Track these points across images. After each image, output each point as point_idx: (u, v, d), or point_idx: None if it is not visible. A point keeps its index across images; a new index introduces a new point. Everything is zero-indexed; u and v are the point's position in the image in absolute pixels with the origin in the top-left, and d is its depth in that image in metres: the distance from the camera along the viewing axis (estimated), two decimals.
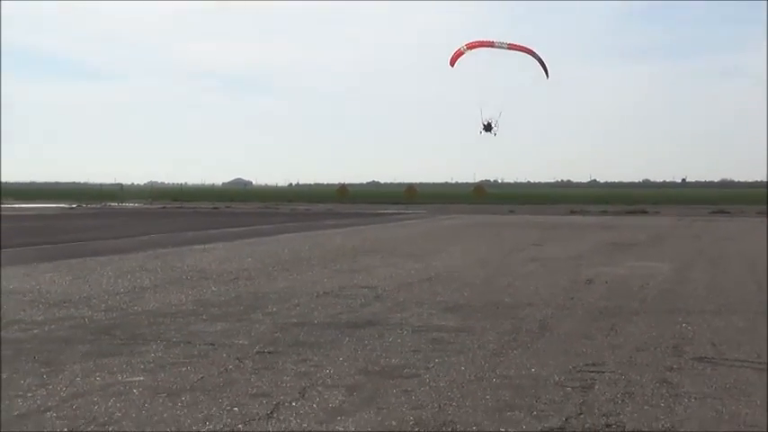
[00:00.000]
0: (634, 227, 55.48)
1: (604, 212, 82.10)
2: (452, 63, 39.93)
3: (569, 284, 23.55)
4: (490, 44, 39.36)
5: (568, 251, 34.88)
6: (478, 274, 25.97)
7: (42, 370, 12.67)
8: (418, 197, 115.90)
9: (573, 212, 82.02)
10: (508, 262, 30.26)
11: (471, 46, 39.74)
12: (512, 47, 39.83)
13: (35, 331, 15.89)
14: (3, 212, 75.53)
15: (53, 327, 16.39)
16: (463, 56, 39.79)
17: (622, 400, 11.09)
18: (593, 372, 12.78)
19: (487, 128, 42.12)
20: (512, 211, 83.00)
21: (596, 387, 11.83)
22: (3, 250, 33.29)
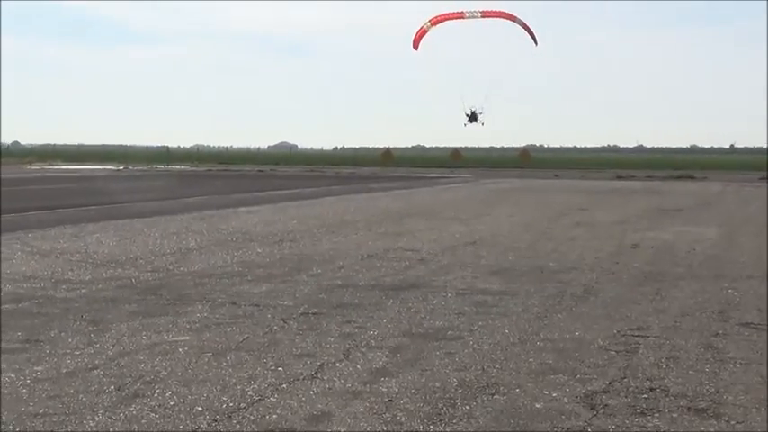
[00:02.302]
0: (681, 192, 55.09)
1: (650, 178, 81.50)
2: (416, 45, 36.61)
3: (614, 249, 23.44)
4: (459, 16, 36.34)
5: (614, 216, 34.69)
6: (523, 238, 25.91)
7: (90, 329, 12.80)
8: (463, 161, 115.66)
9: (619, 177, 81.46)
10: (553, 226, 30.16)
11: (436, 21, 36.51)
12: (486, 14, 36.48)
13: (83, 291, 16.05)
14: (51, 174, 76.19)
15: (100, 286, 16.54)
16: (428, 34, 36.58)
17: (667, 365, 11.05)
18: (637, 336, 12.74)
19: (473, 118, 39.69)
20: (557, 176, 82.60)
21: (640, 351, 11.80)
22: (52, 211, 33.63)
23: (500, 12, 35.89)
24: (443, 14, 36.33)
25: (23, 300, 15.01)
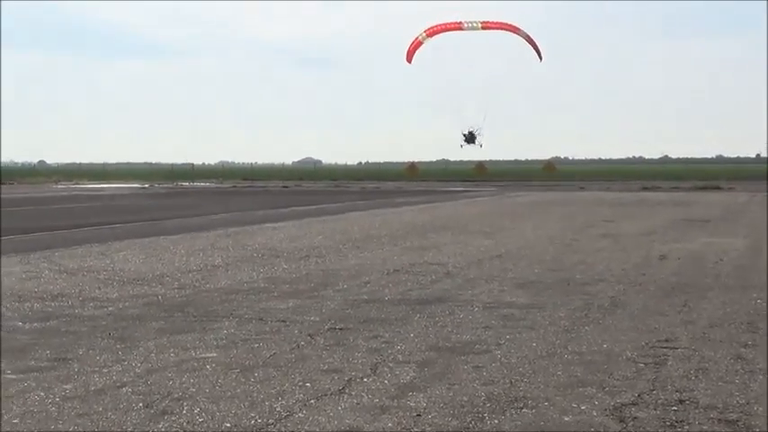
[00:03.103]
0: (707, 203, 54.87)
1: (677, 188, 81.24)
2: (409, 58, 34.52)
3: (641, 260, 23.35)
4: (457, 27, 33.88)
5: (640, 227, 34.57)
6: (549, 251, 25.85)
7: (118, 346, 12.83)
8: (488, 174, 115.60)
9: (645, 189, 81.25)
10: (579, 238, 30.08)
11: (432, 32, 34.14)
12: (487, 26, 33.97)
13: (110, 308, 16.10)
14: (77, 192, 76.55)
15: (127, 304, 16.59)
16: (423, 46, 34.42)
17: (696, 377, 10.99)
18: (665, 348, 12.68)
19: (470, 139, 37.89)
20: (582, 188, 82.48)
21: (669, 363, 11.74)
22: (78, 229, 33.80)
23: (502, 23, 34.10)
24: (440, 25, 34.35)
25: (51, 318, 15.07)
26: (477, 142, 38.25)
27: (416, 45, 34.31)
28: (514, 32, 33.94)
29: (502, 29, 33.70)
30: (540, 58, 34.70)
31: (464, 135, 37.91)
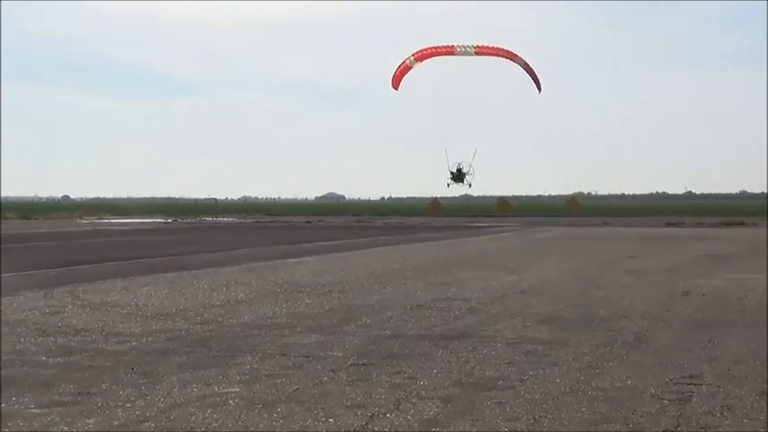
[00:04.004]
0: (732, 239, 54.63)
1: (700, 224, 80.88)
2: (396, 84, 32.07)
3: (665, 297, 23.25)
4: (448, 51, 31.32)
5: (665, 263, 34.44)
6: (572, 287, 25.78)
7: (140, 381, 12.85)
8: (511, 210, 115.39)
9: (668, 224, 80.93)
10: (602, 274, 29.99)
11: (422, 56, 31.64)
12: (481, 51, 31.24)
13: (133, 343, 16.13)
14: (101, 227, 76.90)
15: (150, 339, 16.62)
16: (411, 71, 31.89)
17: (721, 413, 10.93)
18: (690, 384, 12.61)
19: (458, 177, 34.89)
20: (606, 224, 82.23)
21: (694, 400, 11.67)
22: (102, 264, 33.92)
23: (498, 48, 31.35)
24: (430, 48, 31.79)
25: (75, 353, 15.11)
26: (465, 181, 35.14)
27: (403, 70, 32.01)
28: (511, 59, 31.31)
29: (498, 55, 31.10)
30: (539, 89, 32.35)
31: (451, 173, 35.05)
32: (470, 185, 35.38)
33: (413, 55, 31.61)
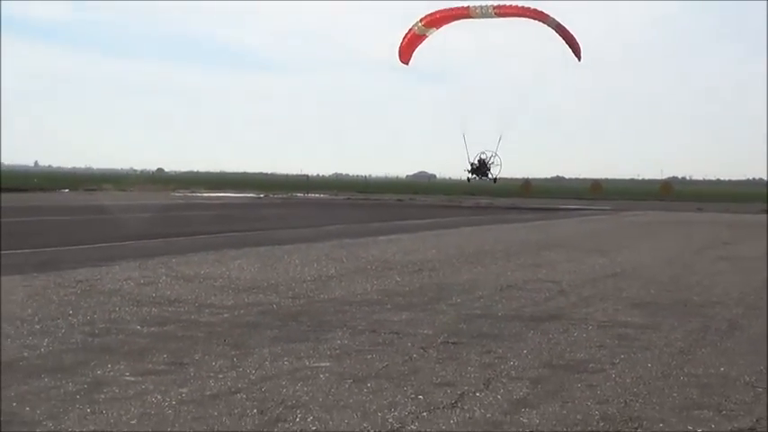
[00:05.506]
0: None
1: None
2: (406, 57, 28.01)
3: (761, 284, 22.87)
4: (463, 13, 26.47)
5: (760, 250, 33.86)
6: (665, 272, 25.49)
7: (232, 353, 12.99)
8: (603, 193, 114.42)
9: (765, 211, 79.49)
10: (696, 260, 29.61)
11: (431, 21, 26.85)
12: (502, 12, 26.21)
13: (225, 315, 16.30)
14: (195, 200, 77.83)
15: (242, 311, 16.78)
16: (426, 40, 27.39)
17: None
18: None
19: (480, 169, 30.72)
20: (700, 209, 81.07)
21: None
22: (195, 237, 34.36)
23: (524, 8, 26.38)
24: (440, 11, 26.92)
25: (168, 323, 15.32)
26: (489, 175, 31.13)
27: (412, 39, 27.68)
28: (542, 20, 26.36)
29: (524, 15, 26.20)
30: (579, 57, 27.43)
31: (471, 164, 30.90)
32: (495, 180, 31.97)
33: (421, 20, 27.48)
